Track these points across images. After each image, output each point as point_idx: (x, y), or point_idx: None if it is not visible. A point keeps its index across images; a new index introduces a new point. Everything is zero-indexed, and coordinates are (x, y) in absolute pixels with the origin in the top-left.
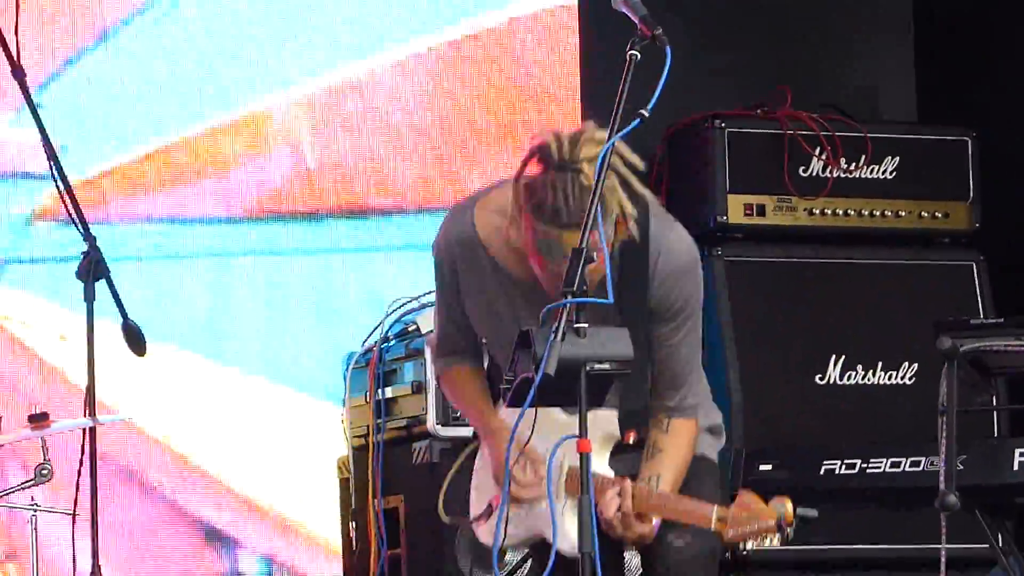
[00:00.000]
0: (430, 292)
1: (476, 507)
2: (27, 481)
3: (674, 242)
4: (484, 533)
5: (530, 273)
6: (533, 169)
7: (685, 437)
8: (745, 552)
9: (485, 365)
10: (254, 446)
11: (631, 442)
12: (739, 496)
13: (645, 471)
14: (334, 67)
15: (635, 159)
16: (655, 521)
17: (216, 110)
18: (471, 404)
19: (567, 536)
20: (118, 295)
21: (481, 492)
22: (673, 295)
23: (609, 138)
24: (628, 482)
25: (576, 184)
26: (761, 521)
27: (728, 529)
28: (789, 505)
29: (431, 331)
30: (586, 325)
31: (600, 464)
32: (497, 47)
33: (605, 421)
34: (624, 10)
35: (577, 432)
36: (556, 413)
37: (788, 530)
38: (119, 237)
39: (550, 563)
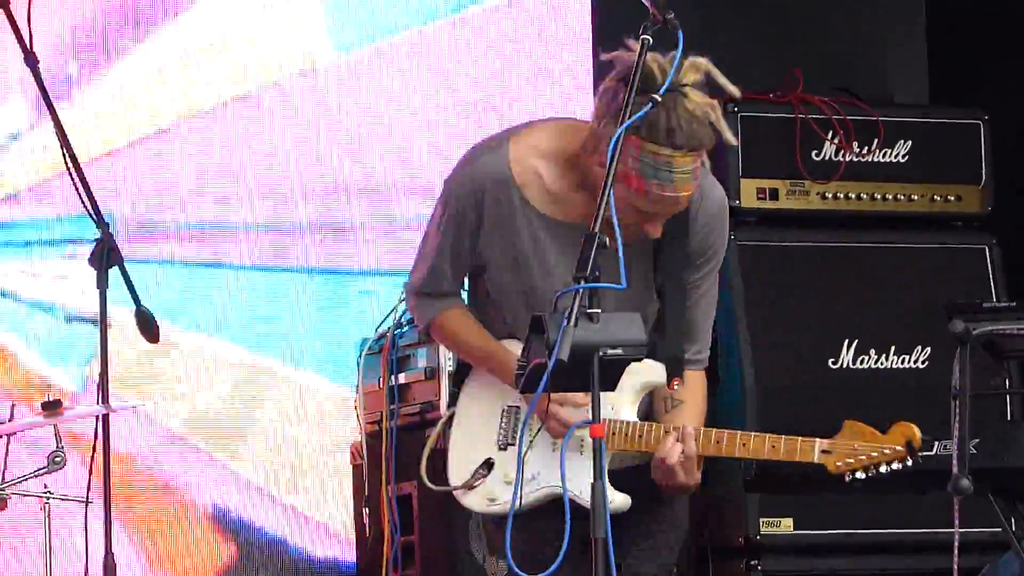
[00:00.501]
0: None
1: (458, 475)
2: (40, 468)
3: (712, 187)
4: (472, 500)
5: (566, 213)
6: (620, 97)
7: (701, 389)
8: (760, 537)
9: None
10: (267, 430)
11: (675, 389)
12: (846, 427)
13: (667, 423)
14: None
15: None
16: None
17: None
18: (482, 343)
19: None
20: (131, 282)
21: (462, 459)
22: (710, 240)
23: (620, 124)
24: (688, 427)
25: (683, 107)
26: (885, 448)
27: (836, 461)
28: (916, 429)
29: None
30: (599, 311)
31: (629, 413)
32: (510, 24)
33: (646, 370)
34: None
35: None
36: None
37: (918, 456)
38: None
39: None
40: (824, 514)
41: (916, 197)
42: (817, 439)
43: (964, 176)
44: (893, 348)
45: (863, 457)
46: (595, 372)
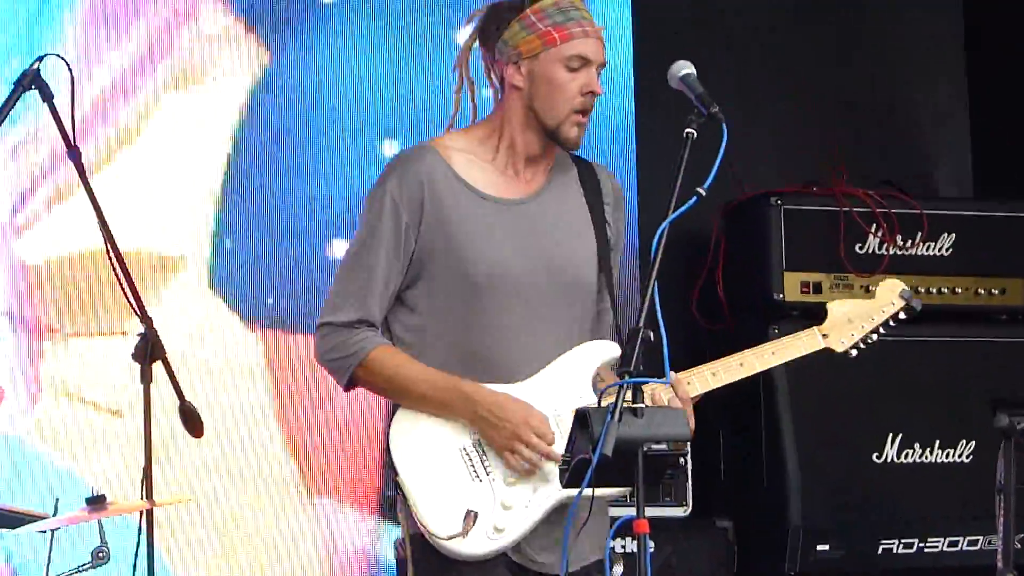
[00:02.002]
0: None
1: (442, 527)
2: (83, 564)
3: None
4: (473, 544)
5: (504, 189)
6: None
7: None
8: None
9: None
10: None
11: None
12: (830, 307)
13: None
14: None
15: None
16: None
17: None
18: (428, 376)
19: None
20: (175, 376)
21: (438, 510)
22: (621, 225)
23: (666, 217)
24: (674, 373)
25: None
26: (882, 307)
27: (840, 338)
28: (898, 280)
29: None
30: (643, 405)
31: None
32: None
33: (601, 349)
34: (681, 88)
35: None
36: (561, 382)
37: (915, 302)
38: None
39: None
40: None
41: (960, 290)
42: (814, 327)
43: (1009, 269)
44: (938, 442)
45: (864, 325)
46: (640, 467)
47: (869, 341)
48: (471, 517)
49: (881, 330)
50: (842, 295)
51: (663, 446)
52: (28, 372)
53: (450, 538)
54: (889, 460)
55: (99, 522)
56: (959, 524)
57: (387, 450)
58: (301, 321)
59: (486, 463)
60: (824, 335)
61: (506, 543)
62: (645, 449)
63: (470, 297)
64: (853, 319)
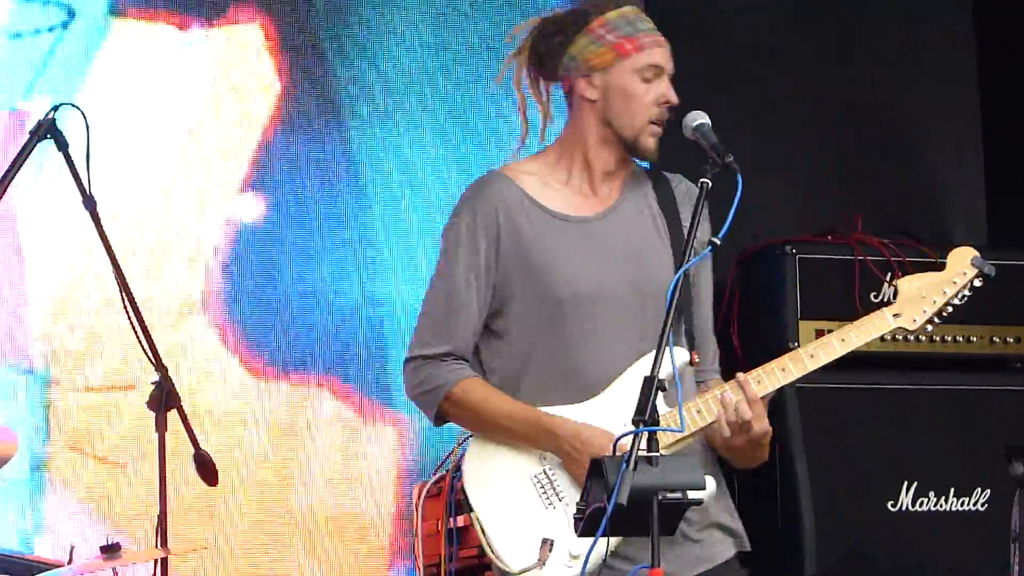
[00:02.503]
0: None
1: (517, 559)
2: None
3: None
4: (549, 573)
5: (579, 207)
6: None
7: None
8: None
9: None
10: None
11: (697, 360)
12: (901, 284)
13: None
14: None
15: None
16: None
17: None
18: (511, 411)
19: None
20: (189, 425)
21: (513, 542)
22: (706, 226)
23: (679, 267)
24: (739, 375)
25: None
26: (953, 279)
27: (913, 316)
28: (968, 248)
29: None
30: (658, 454)
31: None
32: None
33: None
34: (696, 138)
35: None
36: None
37: (988, 268)
38: None
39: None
40: None
41: (975, 339)
42: (883, 308)
43: None
44: (952, 490)
45: (935, 299)
46: (655, 516)
47: (945, 314)
48: (547, 545)
49: (956, 301)
50: None
51: (678, 494)
52: (39, 421)
53: (525, 571)
54: (904, 508)
55: (113, 570)
56: (974, 572)
57: (461, 488)
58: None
59: (559, 489)
60: (895, 315)
61: (580, 570)
62: (660, 498)
63: (556, 317)
64: (926, 294)
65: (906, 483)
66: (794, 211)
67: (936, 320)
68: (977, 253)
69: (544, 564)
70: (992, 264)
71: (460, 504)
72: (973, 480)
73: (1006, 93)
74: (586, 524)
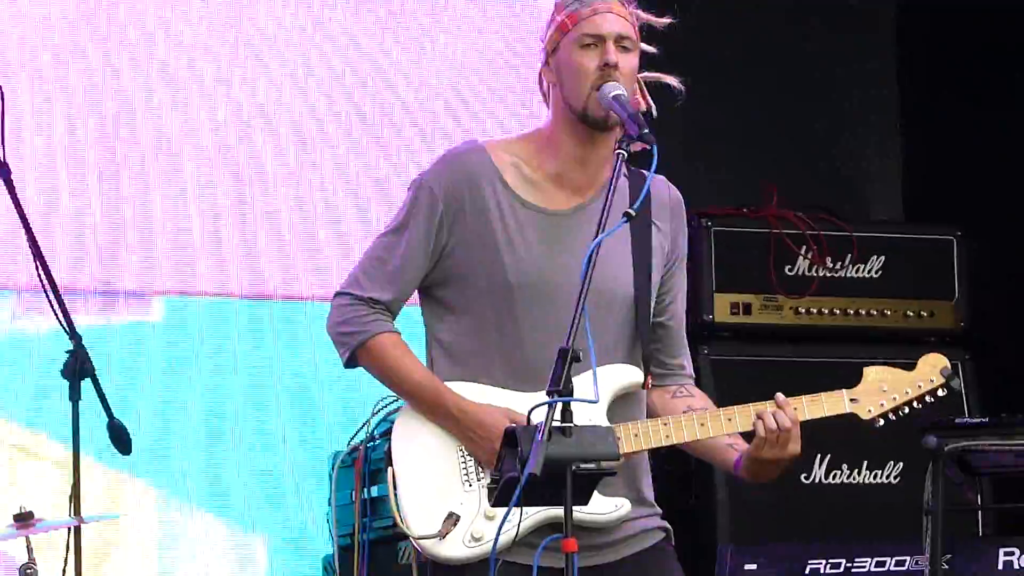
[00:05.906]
0: None
1: (422, 525)
2: None
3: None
4: (450, 548)
5: (545, 200)
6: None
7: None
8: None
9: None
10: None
11: (650, 386)
12: (867, 373)
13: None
14: None
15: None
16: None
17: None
18: (419, 380)
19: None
20: (103, 394)
21: (422, 508)
22: (679, 240)
23: (595, 236)
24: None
25: None
26: (918, 382)
27: (867, 407)
28: (940, 356)
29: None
30: (572, 424)
31: (600, 419)
32: None
33: (621, 373)
34: (611, 109)
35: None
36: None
37: (955, 382)
38: None
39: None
40: None
41: (889, 312)
42: (843, 389)
43: (937, 292)
44: (865, 463)
45: (895, 396)
46: (568, 486)
47: (901, 414)
48: (452, 520)
49: (915, 404)
50: (771, 316)
51: (592, 465)
52: None
53: (423, 538)
54: (817, 481)
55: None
56: (887, 545)
57: (389, 443)
58: None
59: (479, 471)
60: (853, 399)
61: (482, 552)
62: (574, 468)
63: (506, 301)
64: (888, 388)
65: (819, 456)
66: (711, 184)
67: (891, 416)
68: (948, 364)
69: (443, 537)
70: (959, 380)
71: (375, 475)
72: (886, 453)
73: (925, 69)
74: (500, 494)
